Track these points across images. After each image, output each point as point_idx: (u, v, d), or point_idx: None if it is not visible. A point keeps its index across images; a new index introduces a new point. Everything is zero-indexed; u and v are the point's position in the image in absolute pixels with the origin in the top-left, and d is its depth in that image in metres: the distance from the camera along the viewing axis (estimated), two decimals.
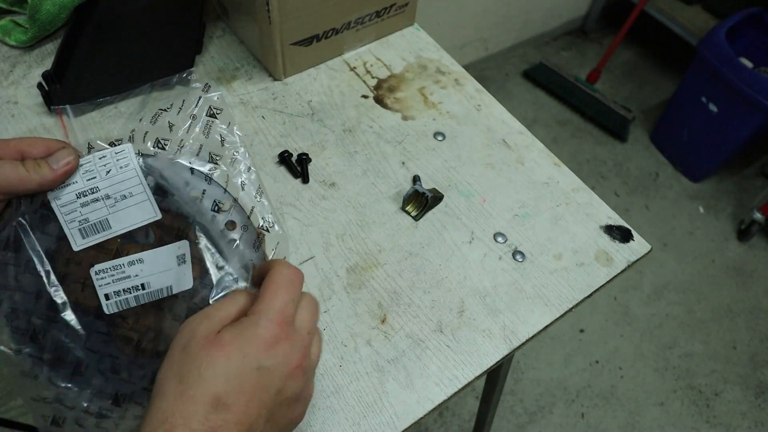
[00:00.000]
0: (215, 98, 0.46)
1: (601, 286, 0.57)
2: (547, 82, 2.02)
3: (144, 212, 0.42)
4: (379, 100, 0.69)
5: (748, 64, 1.65)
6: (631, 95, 2.08)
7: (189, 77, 0.67)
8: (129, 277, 0.41)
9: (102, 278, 0.40)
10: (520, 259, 0.58)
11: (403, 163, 0.64)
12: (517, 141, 0.67)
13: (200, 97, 0.46)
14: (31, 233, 0.40)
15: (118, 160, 0.41)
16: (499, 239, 0.59)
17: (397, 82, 0.72)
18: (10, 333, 0.39)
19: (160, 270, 0.41)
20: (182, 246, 0.42)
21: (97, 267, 0.40)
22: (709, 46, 1.59)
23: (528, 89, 2.06)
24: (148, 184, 0.42)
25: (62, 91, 0.60)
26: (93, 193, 0.41)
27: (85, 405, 0.40)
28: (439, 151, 0.66)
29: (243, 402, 0.33)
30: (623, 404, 1.42)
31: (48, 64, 0.66)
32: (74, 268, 0.40)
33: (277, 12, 0.61)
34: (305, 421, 0.47)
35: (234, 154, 0.46)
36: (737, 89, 1.54)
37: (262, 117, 0.66)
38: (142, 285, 0.41)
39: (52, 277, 0.40)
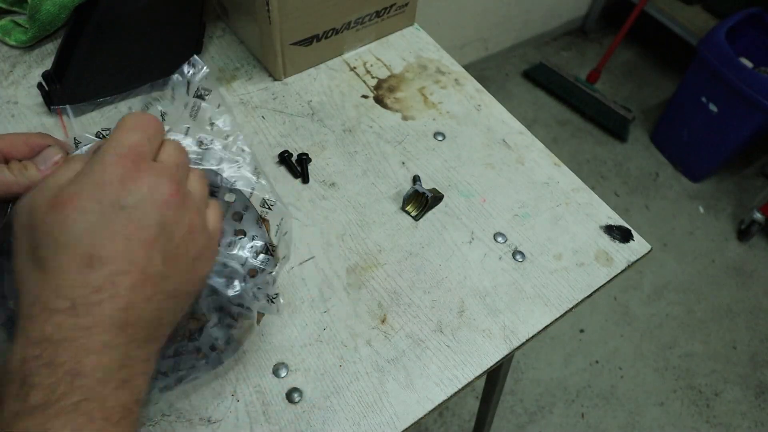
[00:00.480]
0: (204, 78, 0.43)
1: (601, 286, 0.57)
2: (547, 82, 2.02)
3: None
4: (379, 100, 0.69)
5: (748, 64, 1.65)
6: (631, 95, 2.08)
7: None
8: None
9: None
10: (520, 259, 0.58)
11: (403, 163, 0.64)
12: (517, 141, 0.67)
13: (189, 82, 0.43)
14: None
15: None
16: (499, 239, 0.59)
17: (397, 82, 0.72)
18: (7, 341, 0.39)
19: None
20: None
21: None
22: (709, 46, 1.59)
23: (528, 89, 2.06)
24: None
25: (62, 91, 0.60)
26: None
27: None
28: (439, 151, 0.66)
29: (120, 249, 0.28)
30: (623, 404, 1.42)
31: (48, 64, 0.66)
32: None
33: (277, 12, 0.61)
34: (305, 421, 0.47)
35: (227, 137, 0.43)
36: (737, 89, 1.54)
37: (262, 117, 0.66)
38: None
39: None
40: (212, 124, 0.43)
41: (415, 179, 0.62)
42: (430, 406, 0.48)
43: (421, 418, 0.48)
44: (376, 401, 0.48)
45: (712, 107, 1.66)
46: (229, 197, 0.42)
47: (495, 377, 0.86)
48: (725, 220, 1.78)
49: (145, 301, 0.29)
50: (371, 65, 0.73)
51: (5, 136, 0.37)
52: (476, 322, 0.53)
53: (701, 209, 1.80)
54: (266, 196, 0.43)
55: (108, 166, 0.29)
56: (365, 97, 0.70)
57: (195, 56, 0.43)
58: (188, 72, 0.42)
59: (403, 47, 0.75)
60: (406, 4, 0.74)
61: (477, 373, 0.50)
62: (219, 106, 0.43)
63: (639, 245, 0.60)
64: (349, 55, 0.74)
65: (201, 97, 0.43)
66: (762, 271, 1.67)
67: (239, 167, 0.43)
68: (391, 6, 0.72)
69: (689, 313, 1.58)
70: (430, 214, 0.60)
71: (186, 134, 0.41)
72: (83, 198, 0.28)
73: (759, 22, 1.67)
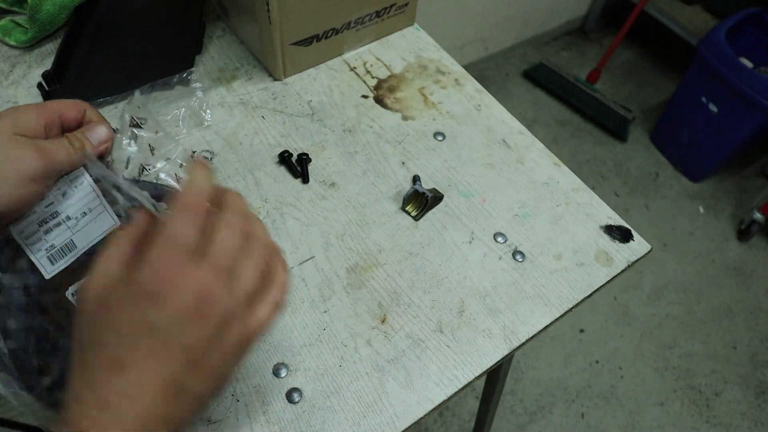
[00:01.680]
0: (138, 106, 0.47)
1: (601, 286, 0.57)
2: (547, 82, 2.02)
3: (104, 223, 0.42)
4: (379, 100, 0.69)
5: (748, 64, 1.65)
6: (631, 95, 2.08)
7: (189, 77, 0.67)
8: None
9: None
10: (520, 259, 0.58)
11: (403, 163, 0.64)
12: (517, 141, 0.67)
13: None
14: (6, 273, 0.41)
15: (71, 180, 0.41)
16: (499, 239, 0.59)
17: (397, 82, 0.72)
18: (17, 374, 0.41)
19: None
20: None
21: (71, 289, 0.41)
22: (709, 46, 1.59)
23: (528, 89, 2.06)
24: (101, 194, 0.42)
25: (62, 91, 0.60)
26: (54, 218, 0.41)
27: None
28: (439, 151, 0.66)
29: (145, 360, 0.30)
30: (623, 404, 1.41)
31: (48, 64, 0.66)
32: (51, 296, 0.41)
33: (277, 12, 0.61)
34: (305, 421, 0.47)
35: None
36: (737, 89, 1.54)
37: (262, 117, 0.66)
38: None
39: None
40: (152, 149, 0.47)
41: (415, 179, 0.62)
42: (430, 406, 0.48)
43: (421, 418, 0.48)
44: (376, 401, 0.48)
45: (712, 107, 1.66)
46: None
47: (495, 377, 0.86)
48: (725, 220, 1.78)
49: (167, 406, 0.31)
50: (371, 65, 0.73)
51: (54, 102, 0.41)
52: (476, 322, 0.53)
53: (701, 209, 1.80)
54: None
55: (149, 274, 0.31)
56: (365, 97, 0.70)
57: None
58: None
59: (403, 47, 0.75)
60: (406, 4, 0.74)
61: (477, 373, 0.50)
62: (157, 131, 0.48)
63: (639, 245, 0.60)
64: (349, 55, 0.74)
65: (136, 125, 0.48)
66: (762, 271, 1.67)
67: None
68: (391, 6, 0.72)
69: (689, 313, 1.58)
70: (430, 214, 0.60)
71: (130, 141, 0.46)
72: (121, 308, 0.31)
73: (759, 22, 1.67)
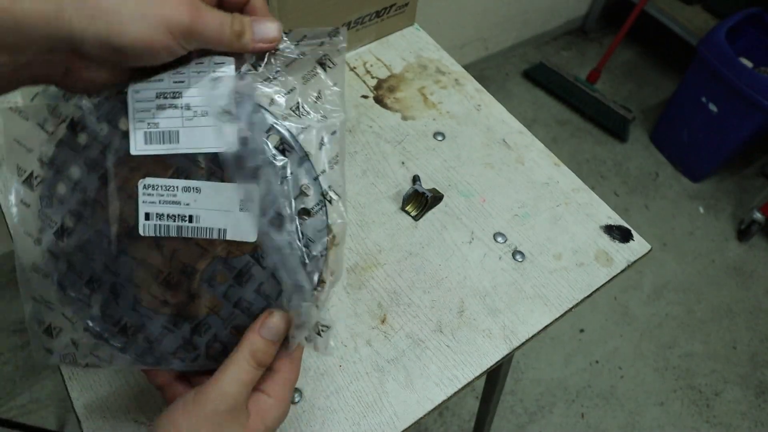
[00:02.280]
0: (336, 50, 0.39)
1: (601, 286, 0.57)
2: (547, 82, 2.02)
3: (220, 139, 0.35)
4: (379, 100, 0.69)
5: (748, 64, 1.65)
6: (631, 95, 2.08)
7: None
8: (179, 203, 0.35)
9: (149, 194, 0.35)
10: (520, 259, 0.58)
11: (403, 163, 0.64)
12: (516, 141, 0.67)
13: (322, 44, 0.38)
14: (98, 122, 0.36)
15: (215, 71, 0.36)
16: (499, 239, 0.59)
17: (397, 82, 0.72)
18: (39, 215, 0.36)
19: (217, 208, 0.36)
20: (250, 190, 0.36)
21: (147, 181, 0.35)
22: (709, 46, 1.59)
23: (528, 89, 2.06)
24: (233, 102, 0.36)
25: None
26: (174, 98, 0.35)
27: (89, 323, 0.37)
28: (438, 151, 0.66)
29: None
30: (623, 404, 1.41)
31: None
32: (125, 173, 0.36)
33: (277, 12, 0.61)
34: (305, 421, 0.47)
35: (328, 111, 0.39)
36: (737, 89, 1.54)
37: None
38: (190, 217, 0.36)
39: (104, 174, 0.36)
40: (318, 97, 0.39)
41: (415, 179, 0.62)
42: (430, 406, 0.48)
43: (421, 418, 0.48)
44: (376, 401, 0.48)
45: (712, 107, 1.66)
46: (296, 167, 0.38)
47: (495, 377, 0.86)
48: (725, 220, 1.78)
49: None
50: (371, 65, 0.73)
51: None
52: (476, 322, 0.53)
53: (701, 209, 1.80)
54: (335, 189, 0.38)
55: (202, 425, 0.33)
56: (365, 97, 0.70)
57: (341, 28, 0.39)
58: (324, 38, 0.39)
59: (403, 47, 0.75)
60: (406, 4, 0.74)
61: (477, 373, 0.50)
62: (335, 84, 0.39)
63: (639, 245, 0.60)
64: (349, 55, 0.74)
65: (323, 65, 0.39)
66: (762, 271, 1.67)
67: (321, 146, 0.39)
68: (391, 6, 0.72)
69: (689, 313, 1.58)
70: (430, 214, 0.60)
71: (288, 92, 0.38)
72: None
73: (759, 22, 1.67)
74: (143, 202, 0.35)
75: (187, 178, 0.35)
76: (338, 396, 0.48)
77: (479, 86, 0.72)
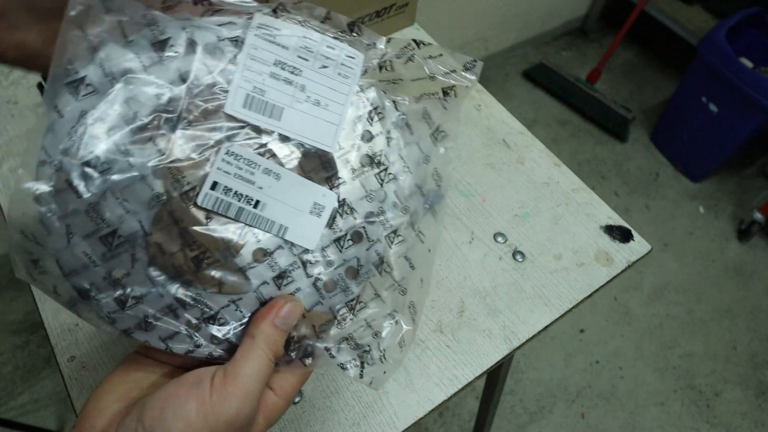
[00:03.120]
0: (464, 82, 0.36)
1: (601, 286, 0.57)
2: (547, 82, 2.02)
3: (324, 135, 0.33)
4: None
5: (748, 64, 1.65)
6: (631, 95, 2.08)
7: None
8: (253, 183, 0.32)
9: (228, 163, 0.31)
10: (520, 259, 0.58)
11: None
12: (517, 141, 0.67)
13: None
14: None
15: (343, 63, 0.34)
16: (499, 239, 0.59)
17: None
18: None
19: (288, 203, 0.33)
20: (328, 196, 0.33)
21: (234, 148, 0.31)
22: (709, 46, 1.59)
23: (528, 89, 2.06)
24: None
25: None
26: (293, 73, 0.32)
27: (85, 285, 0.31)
28: None
29: None
30: (623, 404, 1.41)
31: None
32: (207, 125, 0.31)
33: None
34: (305, 421, 0.47)
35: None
36: (737, 89, 1.54)
37: None
38: (257, 203, 0.32)
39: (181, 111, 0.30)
40: (436, 133, 0.37)
41: None
42: (430, 407, 0.48)
43: (421, 418, 0.48)
44: (376, 401, 0.48)
45: (712, 107, 1.66)
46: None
47: (495, 377, 0.86)
48: (725, 220, 1.78)
49: None
50: None
51: None
52: (476, 322, 0.53)
53: (701, 209, 1.80)
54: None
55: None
56: None
57: (478, 62, 0.37)
58: (457, 66, 0.36)
59: None
60: (406, 4, 0.74)
61: (477, 374, 0.50)
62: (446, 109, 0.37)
63: (639, 245, 0.60)
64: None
65: (446, 94, 0.37)
66: (762, 271, 1.67)
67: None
68: (391, 6, 0.72)
69: (689, 313, 1.58)
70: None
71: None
72: None
73: (759, 22, 1.67)
74: (218, 168, 0.31)
75: (270, 159, 0.32)
76: (338, 396, 0.48)
77: (479, 86, 0.72)
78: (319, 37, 0.33)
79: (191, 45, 0.31)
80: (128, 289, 0.31)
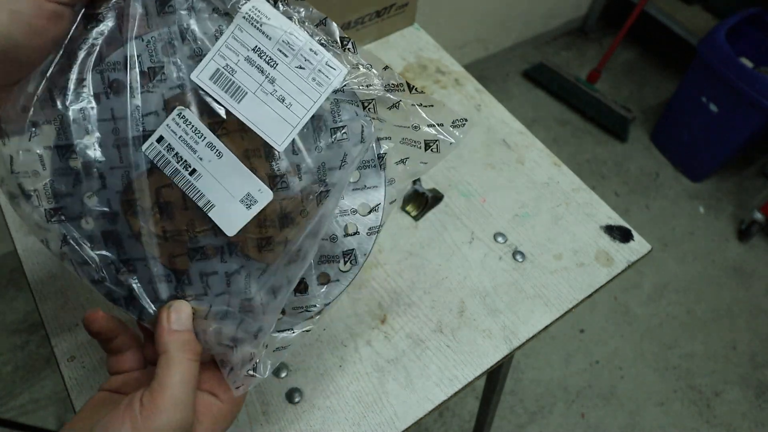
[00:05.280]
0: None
1: (601, 286, 0.57)
2: (547, 82, 2.02)
3: (276, 131, 0.33)
4: None
5: (748, 64, 1.65)
6: (631, 95, 2.08)
7: None
8: (195, 152, 0.33)
9: (176, 124, 0.33)
10: (520, 259, 0.58)
11: None
12: (517, 141, 0.67)
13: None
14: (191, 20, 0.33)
15: (320, 70, 0.34)
16: (499, 239, 0.59)
17: None
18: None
19: (223, 184, 0.33)
20: (264, 193, 0.34)
21: (186, 112, 0.33)
22: (709, 46, 1.59)
23: (528, 89, 2.06)
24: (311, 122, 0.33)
25: None
26: (268, 63, 0.33)
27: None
28: None
29: None
30: (623, 404, 1.41)
31: None
32: (177, 95, 0.33)
33: None
34: (305, 421, 0.47)
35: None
36: (737, 89, 1.54)
37: None
38: (193, 171, 0.33)
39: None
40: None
41: (415, 179, 0.62)
42: (430, 407, 0.48)
43: (421, 418, 0.48)
44: (376, 401, 0.48)
45: (712, 107, 1.66)
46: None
47: (495, 377, 0.86)
48: (725, 220, 1.78)
49: None
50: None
51: None
52: (476, 322, 0.53)
53: (701, 209, 1.80)
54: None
55: None
56: None
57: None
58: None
59: (403, 47, 0.75)
60: (406, 4, 0.74)
61: (477, 374, 0.50)
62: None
63: (639, 245, 0.60)
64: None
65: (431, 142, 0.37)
66: (762, 271, 1.67)
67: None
68: (391, 6, 0.72)
69: (689, 313, 1.58)
70: (430, 214, 0.60)
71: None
72: None
73: (759, 22, 1.67)
74: (166, 125, 0.33)
75: (219, 137, 0.33)
76: (338, 396, 0.48)
77: (479, 86, 0.72)
78: (306, 38, 0.33)
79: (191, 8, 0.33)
80: (61, 207, 0.33)
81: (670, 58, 2.17)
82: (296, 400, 0.48)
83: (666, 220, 1.76)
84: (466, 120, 0.36)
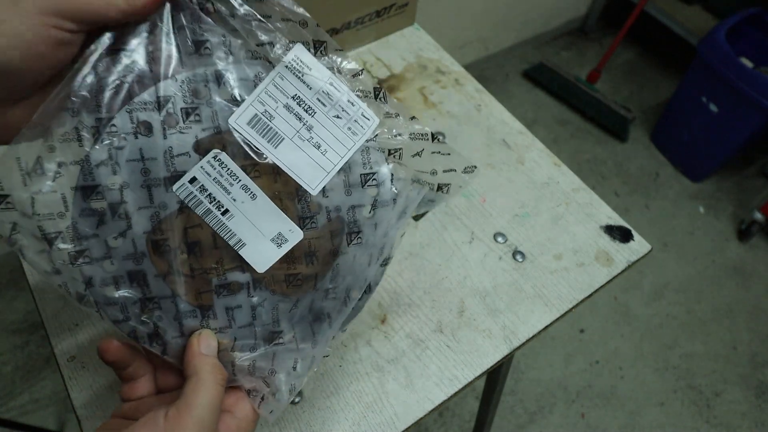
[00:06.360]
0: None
1: (601, 287, 0.57)
2: (547, 82, 2.02)
3: (311, 176, 0.34)
4: None
5: (748, 64, 1.65)
6: (631, 95, 2.08)
7: None
8: (229, 193, 0.34)
9: (212, 166, 0.33)
10: (520, 259, 0.58)
11: None
12: (517, 141, 0.67)
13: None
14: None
15: (356, 120, 0.35)
16: (499, 239, 0.59)
17: (397, 82, 0.72)
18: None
19: (254, 222, 0.34)
20: (295, 233, 0.35)
21: (222, 155, 0.33)
22: (709, 46, 1.59)
23: (528, 89, 2.06)
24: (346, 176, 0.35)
25: None
26: (307, 111, 0.34)
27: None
28: None
29: None
30: (623, 404, 1.41)
31: None
32: (208, 136, 0.33)
33: None
34: (305, 421, 0.47)
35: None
36: (737, 89, 1.54)
37: None
38: (226, 211, 0.34)
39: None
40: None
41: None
42: (430, 407, 0.48)
43: (421, 418, 0.48)
44: (376, 401, 0.48)
45: (712, 107, 1.66)
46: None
47: (495, 377, 0.86)
48: (725, 220, 1.78)
49: None
50: (371, 65, 0.73)
51: None
52: (476, 322, 0.53)
53: (701, 209, 1.80)
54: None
55: None
56: None
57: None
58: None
59: (403, 47, 0.75)
60: (406, 4, 0.74)
61: (477, 374, 0.50)
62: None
63: (639, 245, 0.60)
64: (349, 55, 0.74)
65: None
66: (762, 271, 1.67)
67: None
68: (391, 6, 0.72)
69: (689, 313, 1.58)
70: (430, 214, 0.60)
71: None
72: None
73: (759, 22, 1.67)
74: (200, 167, 0.33)
75: (253, 179, 0.34)
76: (338, 396, 0.48)
77: (479, 86, 0.72)
78: (345, 90, 0.35)
79: (228, 52, 0.33)
80: (85, 248, 0.33)
81: (670, 58, 2.17)
82: (296, 400, 0.48)
83: (666, 220, 1.76)
84: (475, 167, 0.39)
